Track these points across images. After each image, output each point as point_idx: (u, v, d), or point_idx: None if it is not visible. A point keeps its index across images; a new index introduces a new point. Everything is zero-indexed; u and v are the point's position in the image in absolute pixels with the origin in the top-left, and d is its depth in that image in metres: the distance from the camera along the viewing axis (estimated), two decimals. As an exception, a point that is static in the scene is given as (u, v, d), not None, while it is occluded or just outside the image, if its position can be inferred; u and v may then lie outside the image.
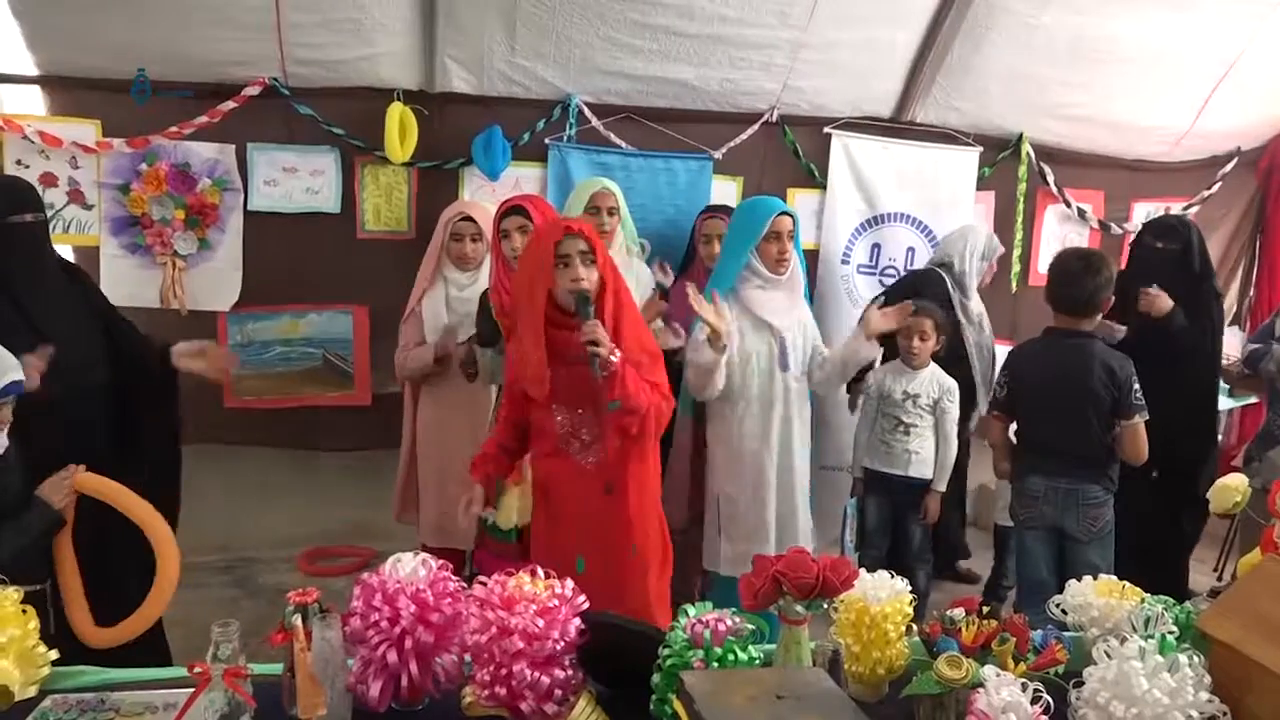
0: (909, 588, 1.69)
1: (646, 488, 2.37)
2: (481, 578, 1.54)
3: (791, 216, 3.05)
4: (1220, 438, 4.14)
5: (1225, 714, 1.33)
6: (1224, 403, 4.59)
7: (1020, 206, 4.49)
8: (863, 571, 1.66)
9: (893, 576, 1.70)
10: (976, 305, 3.87)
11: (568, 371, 2.19)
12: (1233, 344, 4.32)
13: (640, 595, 2.32)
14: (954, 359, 3.62)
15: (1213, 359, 3.70)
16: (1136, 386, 2.81)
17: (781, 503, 3.08)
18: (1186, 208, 4.83)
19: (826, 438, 3.75)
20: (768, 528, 3.05)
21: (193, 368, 2.64)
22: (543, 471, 2.38)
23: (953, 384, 3.49)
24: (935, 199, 4.36)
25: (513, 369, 2.34)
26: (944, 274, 3.82)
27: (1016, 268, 4.55)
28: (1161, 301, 3.47)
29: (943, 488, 3.49)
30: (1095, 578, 1.85)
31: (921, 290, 3.68)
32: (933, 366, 3.51)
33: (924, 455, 3.46)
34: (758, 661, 1.45)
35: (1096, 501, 2.85)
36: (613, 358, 2.11)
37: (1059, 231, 4.66)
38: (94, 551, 2.21)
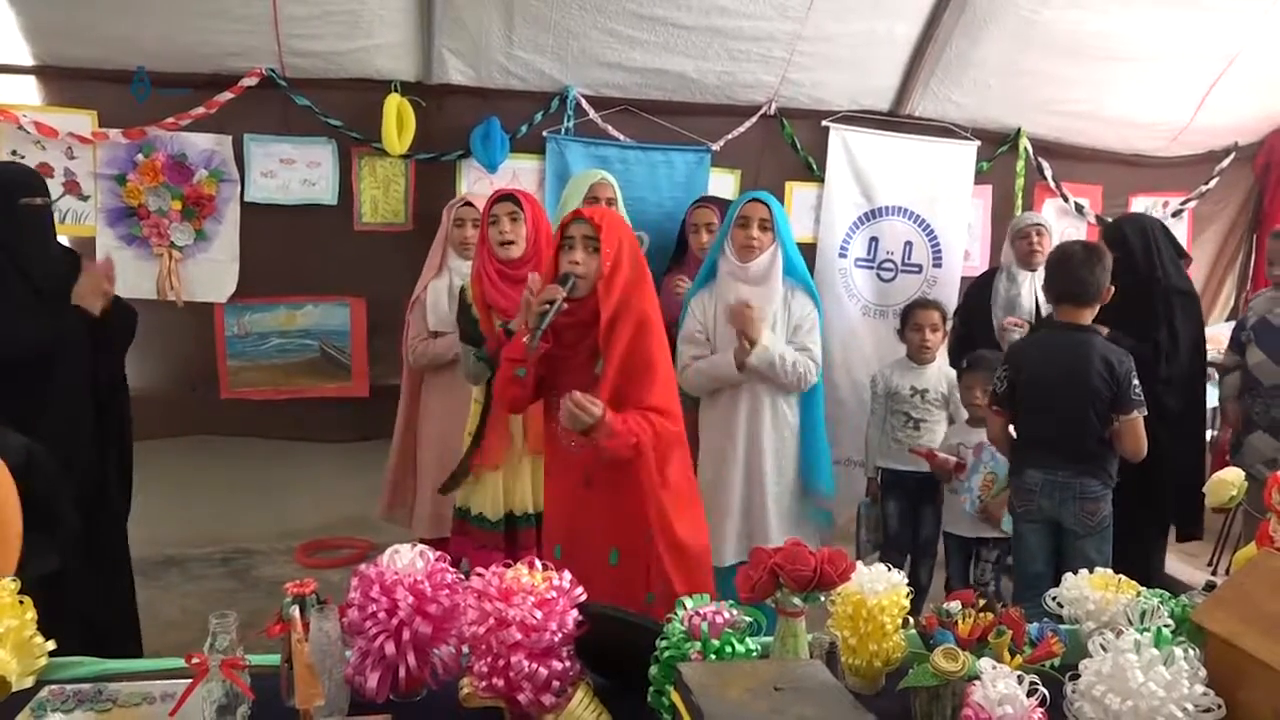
0: (905, 580, 1.70)
1: (637, 494, 2.16)
2: (479, 569, 1.54)
3: (765, 204, 3.03)
4: (1215, 433, 4.13)
5: (1220, 707, 1.34)
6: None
7: (1018, 201, 4.49)
8: (859, 565, 1.67)
9: (889, 569, 1.70)
10: (1024, 291, 3.85)
11: (564, 354, 2.17)
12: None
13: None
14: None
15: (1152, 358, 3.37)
16: (1136, 382, 2.80)
17: (746, 496, 3.07)
18: (1184, 202, 4.85)
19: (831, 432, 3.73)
20: (730, 519, 3.05)
21: (85, 300, 2.56)
22: (544, 447, 2.35)
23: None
24: (933, 193, 4.36)
25: None
26: (994, 277, 3.93)
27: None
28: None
29: None
30: (1091, 571, 1.85)
31: (970, 295, 3.96)
32: (939, 361, 3.52)
33: (937, 448, 3.47)
34: (755, 654, 1.46)
35: (1094, 495, 2.85)
36: (592, 411, 2.01)
37: (1057, 226, 4.63)
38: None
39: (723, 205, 3.59)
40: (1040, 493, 2.89)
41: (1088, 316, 2.90)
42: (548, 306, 2.05)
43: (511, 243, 2.73)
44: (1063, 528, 2.89)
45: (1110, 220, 4.05)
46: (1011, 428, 3.03)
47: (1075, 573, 1.85)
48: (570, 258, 2.11)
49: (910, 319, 3.57)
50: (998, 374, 3.04)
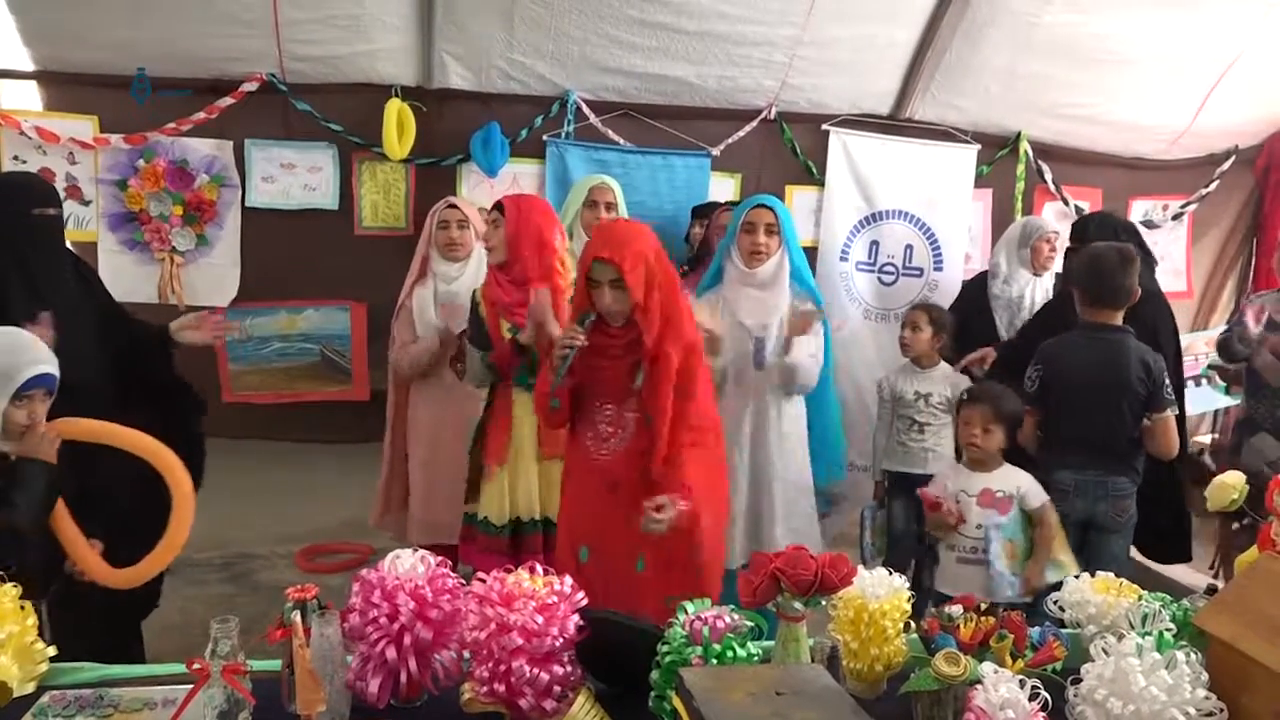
0: (907, 584, 1.70)
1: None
2: (480, 574, 1.54)
3: (771, 209, 3.03)
4: (1216, 436, 4.14)
5: (1222, 711, 1.34)
6: (1221, 400, 4.61)
7: (1018, 204, 4.49)
8: (861, 569, 1.66)
9: (890, 573, 1.70)
10: (1027, 293, 3.82)
11: (606, 370, 2.23)
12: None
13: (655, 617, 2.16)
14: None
15: None
16: (1168, 381, 2.85)
17: (751, 502, 3.07)
18: (1184, 206, 4.85)
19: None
20: (735, 523, 3.00)
21: (191, 340, 2.74)
22: (566, 453, 2.39)
23: (966, 381, 3.50)
24: (933, 196, 4.37)
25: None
26: (987, 279, 3.90)
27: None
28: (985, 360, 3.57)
29: None
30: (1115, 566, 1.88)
31: (961, 301, 3.92)
32: (943, 366, 3.51)
33: (941, 452, 3.46)
34: (756, 658, 1.46)
35: (1124, 493, 2.90)
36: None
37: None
38: (90, 502, 2.14)
39: None
40: (1074, 493, 2.91)
41: (1119, 318, 2.93)
42: (568, 351, 2.17)
43: (491, 249, 2.75)
44: (1093, 525, 2.91)
45: (1081, 215, 4.05)
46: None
47: (1100, 567, 1.88)
48: (598, 298, 2.18)
49: (902, 321, 3.60)
50: (1028, 374, 3.04)
